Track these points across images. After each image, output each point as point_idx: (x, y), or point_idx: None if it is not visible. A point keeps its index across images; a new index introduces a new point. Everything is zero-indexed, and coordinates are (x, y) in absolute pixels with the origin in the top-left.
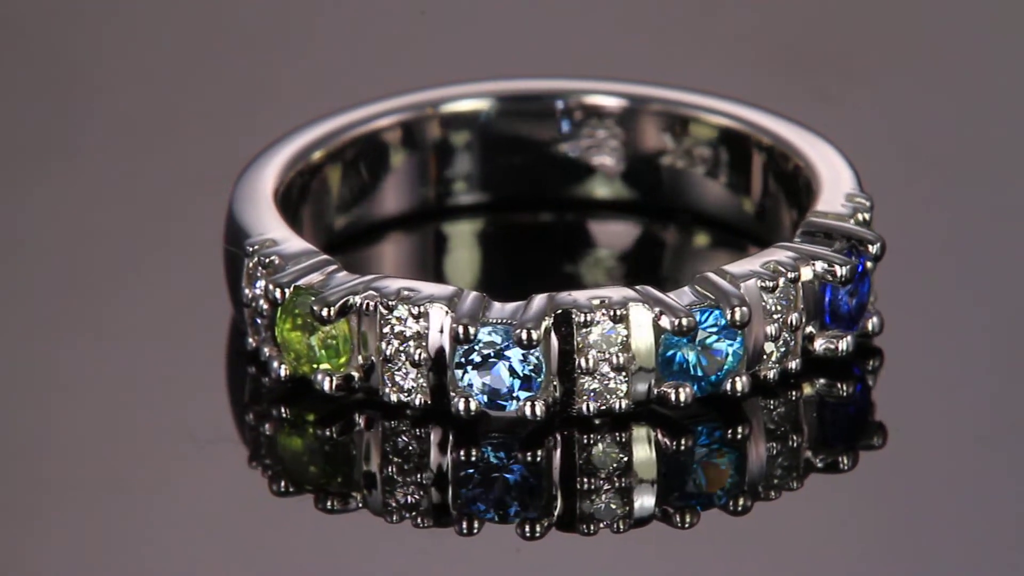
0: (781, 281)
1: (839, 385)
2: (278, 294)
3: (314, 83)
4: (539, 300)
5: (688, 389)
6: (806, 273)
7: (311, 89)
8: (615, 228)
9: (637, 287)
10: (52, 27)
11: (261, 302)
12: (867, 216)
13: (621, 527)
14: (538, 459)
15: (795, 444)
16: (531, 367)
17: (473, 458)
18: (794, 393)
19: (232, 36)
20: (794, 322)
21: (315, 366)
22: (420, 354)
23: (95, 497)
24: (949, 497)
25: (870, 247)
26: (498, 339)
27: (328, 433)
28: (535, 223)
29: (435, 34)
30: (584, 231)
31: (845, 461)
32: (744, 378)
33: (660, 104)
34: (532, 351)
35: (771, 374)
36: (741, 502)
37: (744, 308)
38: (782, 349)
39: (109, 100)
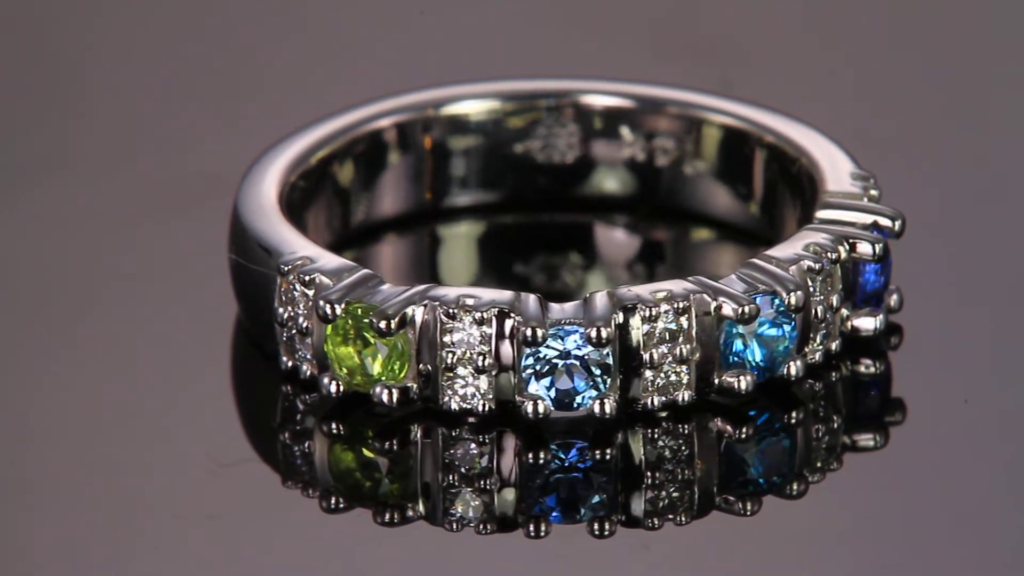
0: (824, 263)
1: (875, 364)
2: (328, 310)
3: (307, 85)
4: (602, 297)
5: (750, 377)
6: (843, 253)
7: (305, 91)
8: (616, 228)
9: (690, 278)
10: (47, 28)
11: (302, 320)
12: (875, 193)
13: (684, 520)
14: (608, 456)
15: (836, 425)
16: (599, 365)
17: (541, 460)
18: (835, 374)
19: (222, 37)
20: (835, 303)
21: (370, 380)
22: (484, 360)
23: (134, 532)
24: (982, 469)
25: (893, 224)
26: (560, 339)
27: (385, 445)
28: (536, 224)
29: (434, 34)
30: (584, 231)
31: (879, 439)
32: (799, 362)
33: (672, 106)
34: (601, 349)
35: (816, 356)
36: (795, 486)
37: (800, 292)
38: (823, 331)
39: (103, 104)
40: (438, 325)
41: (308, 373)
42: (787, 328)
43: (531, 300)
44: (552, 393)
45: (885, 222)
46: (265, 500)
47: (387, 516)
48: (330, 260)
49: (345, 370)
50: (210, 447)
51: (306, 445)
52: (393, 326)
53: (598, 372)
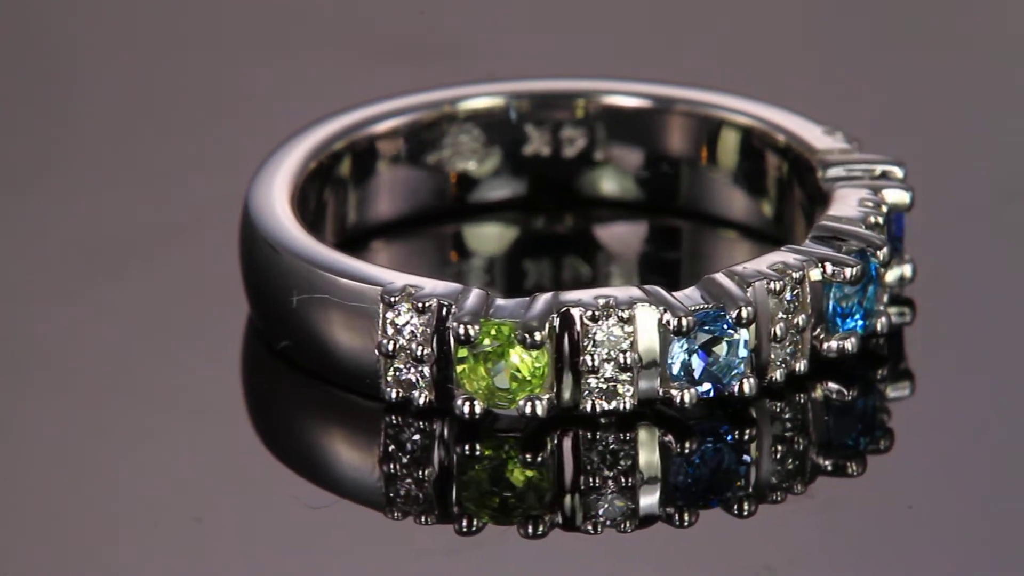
0: (880, 216)
1: (906, 312)
2: (463, 331)
3: (304, 86)
4: (723, 278)
5: (855, 338)
6: (886, 205)
7: (300, 94)
8: (621, 227)
9: (784, 248)
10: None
11: (417, 347)
12: (855, 144)
13: (800, 489)
14: (747, 436)
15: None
16: (740, 346)
17: (688, 449)
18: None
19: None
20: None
21: (507, 395)
22: (629, 357)
23: None
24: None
25: (897, 171)
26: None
27: (528, 458)
28: (542, 223)
29: (433, 32)
30: (589, 231)
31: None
32: (883, 319)
33: (686, 105)
34: (745, 329)
35: (881, 308)
36: (882, 443)
37: (887, 247)
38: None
39: (98, 109)
40: (580, 329)
41: (424, 400)
42: (872, 287)
43: (660, 291)
44: (700, 379)
45: (893, 169)
46: (379, 533)
47: (530, 528)
48: (435, 284)
49: (481, 390)
50: (302, 493)
51: (425, 472)
52: (540, 338)
53: (740, 353)
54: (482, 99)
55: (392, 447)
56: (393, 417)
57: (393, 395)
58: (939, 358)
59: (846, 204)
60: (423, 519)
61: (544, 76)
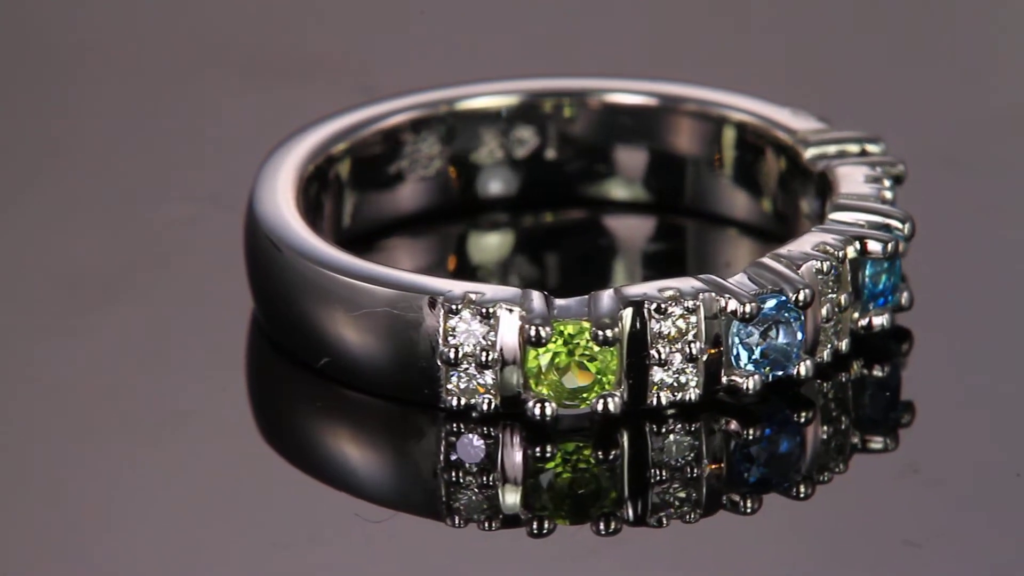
0: (890, 192)
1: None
2: (534, 334)
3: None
4: (773, 262)
5: (887, 314)
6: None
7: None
8: (629, 225)
9: (815, 228)
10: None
11: (482, 354)
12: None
13: (842, 468)
14: (804, 419)
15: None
16: (797, 328)
17: (751, 436)
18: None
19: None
20: None
21: (578, 394)
22: (695, 348)
23: None
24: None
25: (876, 147)
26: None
27: (600, 455)
28: (547, 222)
29: (433, 32)
30: (597, 229)
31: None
32: (906, 293)
33: (694, 104)
34: (803, 312)
35: None
36: (905, 419)
37: (910, 222)
38: None
39: (98, 111)
40: (647, 323)
41: (489, 406)
42: (899, 258)
43: (717, 279)
44: (761, 365)
45: (872, 147)
46: (445, 541)
47: (603, 526)
48: (495, 289)
49: (552, 391)
50: (361, 508)
51: (492, 477)
52: (612, 335)
53: (797, 336)
54: (482, 99)
55: (455, 455)
56: (453, 424)
57: (454, 403)
58: (934, 332)
59: (853, 181)
60: (490, 525)
61: (540, 75)
